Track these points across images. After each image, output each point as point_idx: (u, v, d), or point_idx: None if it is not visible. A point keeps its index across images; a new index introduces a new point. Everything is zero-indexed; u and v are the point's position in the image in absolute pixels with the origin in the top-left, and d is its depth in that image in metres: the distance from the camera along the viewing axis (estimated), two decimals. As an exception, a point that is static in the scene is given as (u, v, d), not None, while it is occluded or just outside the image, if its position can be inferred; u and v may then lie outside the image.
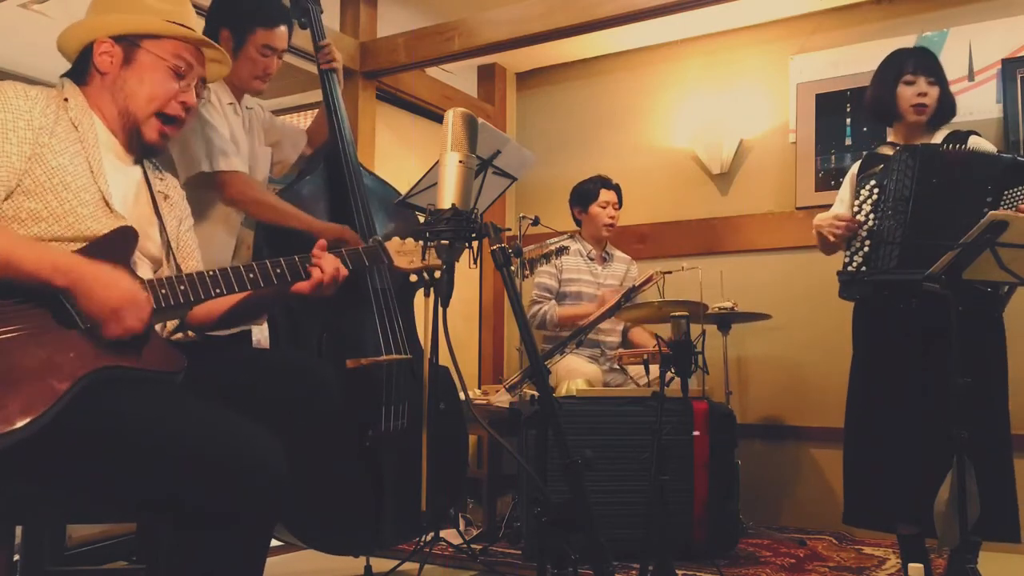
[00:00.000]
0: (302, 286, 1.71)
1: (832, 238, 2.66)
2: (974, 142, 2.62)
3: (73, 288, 1.43)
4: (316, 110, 2.98)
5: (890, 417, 2.59)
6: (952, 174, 2.50)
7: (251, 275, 1.67)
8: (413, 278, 1.97)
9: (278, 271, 1.71)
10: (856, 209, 2.65)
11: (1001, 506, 2.46)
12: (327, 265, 1.73)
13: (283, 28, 2.53)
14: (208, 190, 2.38)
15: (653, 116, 4.45)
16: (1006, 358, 2.61)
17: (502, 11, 3.71)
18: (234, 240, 2.51)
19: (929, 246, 2.31)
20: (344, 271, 1.76)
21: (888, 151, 2.69)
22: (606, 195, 3.82)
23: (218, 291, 1.63)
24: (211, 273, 1.64)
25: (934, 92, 2.67)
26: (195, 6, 1.84)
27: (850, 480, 2.68)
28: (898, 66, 2.72)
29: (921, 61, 2.72)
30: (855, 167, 2.80)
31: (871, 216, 2.60)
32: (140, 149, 1.75)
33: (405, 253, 1.91)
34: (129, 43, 1.70)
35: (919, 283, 2.31)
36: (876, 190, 2.60)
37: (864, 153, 2.86)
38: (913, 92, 2.67)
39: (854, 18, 3.96)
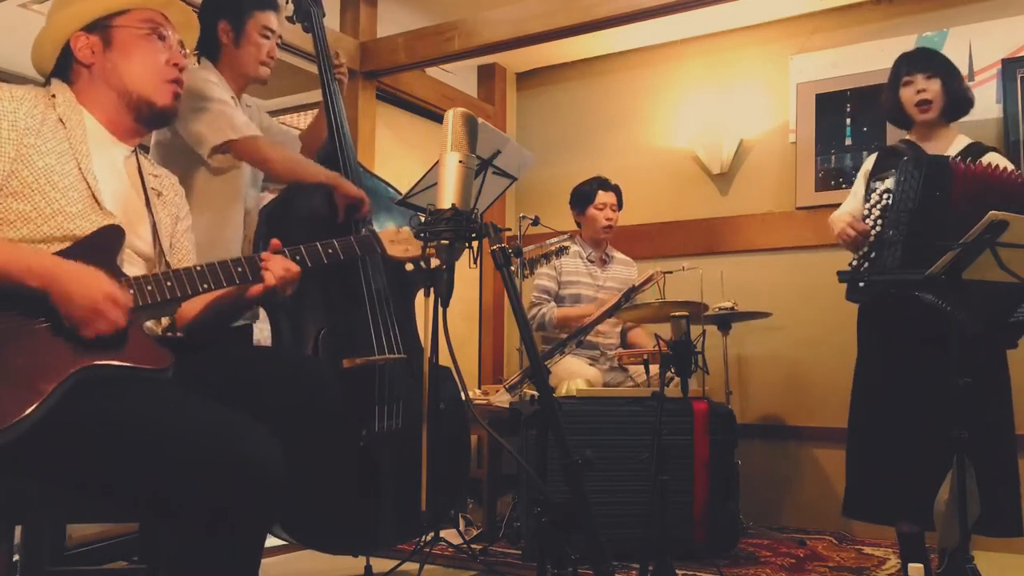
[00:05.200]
0: (255, 289, 1.68)
1: (842, 240, 2.68)
2: (994, 160, 2.59)
3: (49, 289, 1.42)
4: (315, 111, 2.97)
5: (891, 416, 2.60)
6: (962, 189, 2.47)
7: (239, 269, 1.64)
8: (409, 267, 1.96)
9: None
10: (866, 212, 2.66)
11: (1005, 503, 2.48)
12: (275, 267, 1.68)
13: (273, 12, 2.57)
14: (216, 171, 2.41)
15: (653, 116, 4.45)
16: (1006, 357, 2.62)
17: (502, 11, 3.70)
18: (242, 220, 2.53)
19: (930, 253, 2.31)
20: (294, 269, 1.70)
21: (906, 151, 2.68)
22: (603, 197, 3.80)
23: (205, 286, 1.61)
24: (198, 268, 1.61)
25: (934, 86, 2.67)
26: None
27: (851, 473, 2.71)
28: (896, 70, 2.75)
29: (915, 59, 2.75)
30: (869, 163, 2.79)
31: (879, 221, 2.60)
32: (155, 119, 1.76)
33: (399, 242, 1.88)
34: (101, 27, 1.70)
35: (919, 288, 2.34)
36: (886, 195, 2.60)
37: (852, 159, 2.87)
38: (912, 91, 2.69)
39: (854, 18, 3.96)
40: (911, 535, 2.64)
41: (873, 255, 2.59)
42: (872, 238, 2.60)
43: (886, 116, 2.86)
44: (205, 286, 1.61)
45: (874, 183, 2.67)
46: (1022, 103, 3.55)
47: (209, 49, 2.51)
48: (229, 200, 2.49)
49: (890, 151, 2.77)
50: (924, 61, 2.72)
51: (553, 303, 3.77)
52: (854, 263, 2.66)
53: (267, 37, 2.54)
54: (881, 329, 2.69)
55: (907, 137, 2.81)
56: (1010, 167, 2.59)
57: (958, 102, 2.70)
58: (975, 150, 2.66)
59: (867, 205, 2.67)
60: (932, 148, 2.70)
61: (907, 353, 2.60)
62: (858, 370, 2.76)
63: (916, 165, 2.52)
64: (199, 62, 2.52)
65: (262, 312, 2.52)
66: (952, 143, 2.72)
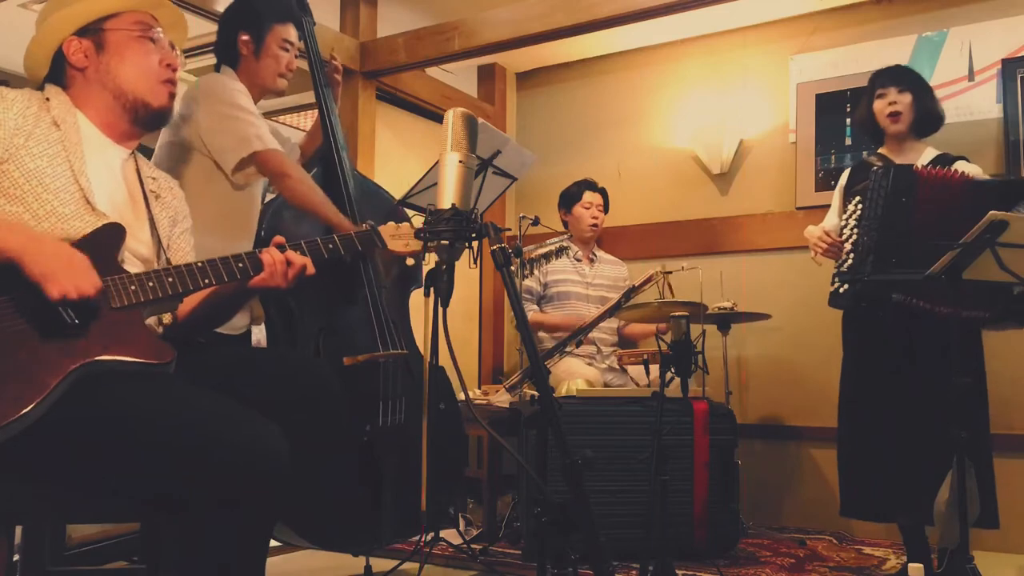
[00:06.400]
0: (255, 280, 1.66)
1: (814, 253, 2.81)
2: (961, 167, 2.65)
3: (22, 254, 1.41)
4: (314, 110, 2.97)
5: (869, 416, 2.68)
6: (926, 194, 2.52)
7: (240, 264, 1.64)
8: (410, 261, 1.97)
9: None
10: (843, 223, 2.75)
11: (986, 497, 2.53)
12: (273, 257, 1.67)
13: (292, 25, 2.57)
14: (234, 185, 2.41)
15: (653, 116, 4.45)
16: (982, 355, 2.67)
17: (502, 11, 3.70)
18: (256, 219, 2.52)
19: (900, 255, 2.43)
20: (299, 261, 1.68)
21: (876, 163, 2.78)
22: (589, 196, 3.91)
23: (207, 282, 1.61)
24: (199, 264, 1.61)
25: (905, 99, 2.78)
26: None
27: (844, 474, 2.76)
28: (871, 84, 2.86)
29: (890, 74, 2.84)
30: (844, 177, 2.92)
31: (855, 231, 2.67)
32: (151, 121, 1.76)
33: (400, 237, 1.89)
34: (93, 31, 1.71)
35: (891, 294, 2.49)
36: (860, 206, 2.68)
37: (852, 159, 2.94)
38: (885, 103, 2.80)
39: (854, 18, 3.96)
40: (910, 528, 2.69)
41: (849, 263, 2.65)
42: (849, 246, 2.67)
43: (859, 128, 2.97)
44: (206, 281, 1.61)
45: (850, 196, 2.76)
46: (1022, 103, 3.55)
47: (229, 59, 2.51)
48: (249, 211, 2.48)
49: (862, 165, 2.87)
50: (898, 76, 2.82)
51: (534, 306, 3.84)
52: (836, 271, 2.74)
53: (286, 50, 2.53)
54: (860, 333, 2.77)
55: (879, 151, 2.89)
56: (975, 173, 2.64)
57: (928, 117, 2.80)
58: (943, 160, 2.74)
59: (844, 217, 2.76)
60: (902, 161, 2.78)
61: (883, 355, 2.67)
62: (842, 373, 2.83)
63: (885, 173, 2.58)
64: (219, 69, 2.52)
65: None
66: (921, 156, 2.80)
